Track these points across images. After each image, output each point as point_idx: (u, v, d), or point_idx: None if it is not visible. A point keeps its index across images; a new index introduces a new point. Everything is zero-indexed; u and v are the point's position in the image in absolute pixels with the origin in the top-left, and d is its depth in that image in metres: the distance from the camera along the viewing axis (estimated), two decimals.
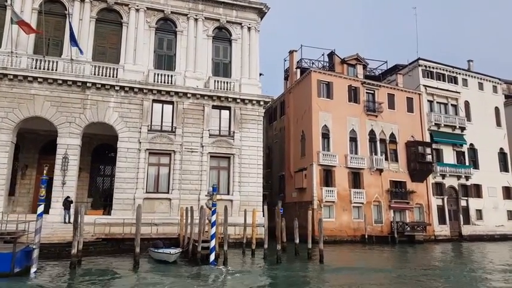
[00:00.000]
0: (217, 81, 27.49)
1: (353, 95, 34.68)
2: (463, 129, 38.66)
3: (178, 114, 26.22)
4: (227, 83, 27.70)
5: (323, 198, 30.96)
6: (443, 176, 36.83)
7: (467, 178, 37.98)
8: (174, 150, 25.67)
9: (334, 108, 33.34)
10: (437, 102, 38.83)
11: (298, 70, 36.92)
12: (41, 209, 14.14)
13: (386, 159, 34.41)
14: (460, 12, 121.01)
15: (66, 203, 22.20)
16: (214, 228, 16.94)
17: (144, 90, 25.59)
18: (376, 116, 35.00)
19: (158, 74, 26.31)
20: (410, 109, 36.87)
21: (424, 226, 33.76)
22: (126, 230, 22.05)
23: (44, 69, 23.95)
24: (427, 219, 34.87)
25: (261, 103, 28.06)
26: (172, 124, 26.06)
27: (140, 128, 25.23)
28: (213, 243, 16.83)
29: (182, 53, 27.68)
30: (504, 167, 40.84)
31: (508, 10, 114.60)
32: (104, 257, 19.05)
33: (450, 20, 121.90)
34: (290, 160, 35.35)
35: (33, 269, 13.74)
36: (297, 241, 21.30)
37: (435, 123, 37.41)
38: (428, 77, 39.25)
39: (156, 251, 18.36)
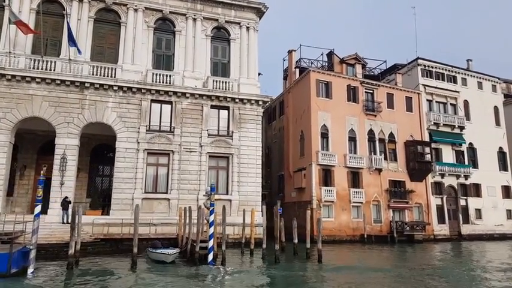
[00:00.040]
0: (216, 81, 27.46)
1: (352, 94, 34.67)
2: (462, 128, 38.64)
3: (177, 114, 26.18)
4: (226, 82, 27.66)
5: (322, 198, 30.94)
6: (443, 176, 36.82)
7: (466, 177, 37.97)
8: (172, 150, 25.64)
9: (333, 108, 33.31)
10: (436, 102, 38.82)
11: (297, 70, 36.90)
12: (38, 209, 14.10)
13: (385, 158, 34.39)
14: (459, 12, 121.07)
15: (65, 204, 22.16)
16: (212, 228, 16.89)
17: (143, 90, 25.56)
18: (375, 116, 34.98)
19: (156, 74, 26.27)
20: (409, 108, 36.85)
21: (423, 225, 33.73)
22: (124, 230, 22.03)
23: (42, 69, 23.91)
24: (426, 218, 34.85)
25: (260, 103, 28.03)
26: (170, 124, 26.02)
27: (138, 128, 25.20)
28: (211, 243, 16.79)
29: (181, 52, 27.64)
30: (503, 166, 40.84)
31: (507, 10, 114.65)
32: (102, 258, 19.00)
33: (449, 20, 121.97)
34: (289, 160, 35.32)
35: (30, 270, 13.73)
36: (296, 241, 21.25)
37: (434, 123, 37.39)
38: (427, 77, 39.22)
39: (154, 251, 18.31)
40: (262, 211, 22.65)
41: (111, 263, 17.73)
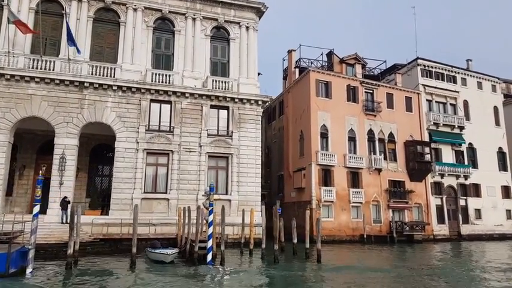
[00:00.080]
0: (216, 81, 27.43)
1: (352, 94, 34.65)
2: (461, 128, 38.62)
3: (176, 114, 26.15)
4: (225, 82, 27.63)
5: (322, 198, 30.92)
6: (442, 176, 36.81)
7: (466, 177, 37.95)
8: (172, 150, 25.61)
9: (332, 108, 33.29)
10: (436, 102, 38.80)
11: (297, 70, 36.87)
12: (36, 209, 14.07)
13: (385, 158, 34.37)
14: (459, 12, 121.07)
15: (64, 203, 22.13)
16: (211, 228, 16.86)
17: (142, 90, 25.53)
18: (375, 116, 34.96)
19: (156, 74, 26.24)
20: (409, 108, 36.83)
21: (422, 226, 33.72)
22: (124, 230, 22.04)
23: (41, 69, 23.88)
24: (425, 218, 34.83)
25: (259, 103, 28.00)
26: (170, 124, 26.00)
27: (138, 128, 25.17)
28: (210, 243, 16.75)
29: (180, 52, 27.61)
30: (503, 166, 40.82)
31: (507, 10, 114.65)
32: (101, 258, 18.97)
33: (449, 20, 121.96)
34: (289, 160, 35.30)
35: (28, 270, 13.70)
36: (295, 241, 21.24)
37: (434, 123, 37.37)
38: (427, 77, 39.20)
39: (153, 251, 18.28)
40: (261, 211, 22.65)
41: (110, 263, 17.70)
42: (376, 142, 34.54)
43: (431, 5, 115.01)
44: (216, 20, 28.75)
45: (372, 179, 33.38)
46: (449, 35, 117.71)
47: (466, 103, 40.32)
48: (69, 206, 22.07)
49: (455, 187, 37.53)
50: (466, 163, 38.65)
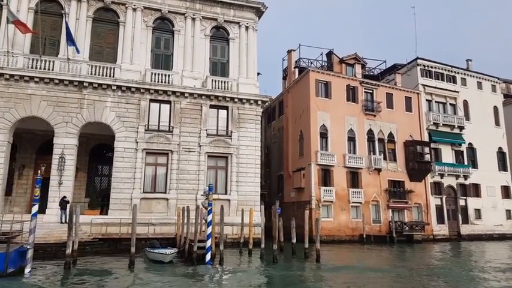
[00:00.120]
0: (215, 81, 27.42)
1: (351, 94, 34.64)
2: (461, 128, 38.60)
3: (176, 114, 26.14)
4: (225, 82, 27.62)
5: (321, 197, 30.90)
6: (442, 176, 36.78)
7: (465, 177, 37.92)
8: (171, 150, 25.60)
9: (332, 108, 33.27)
10: (435, 102, 38.79)
11: (297, 70, 36.86)
12: (35, 209, 14.08)
13: (384, 158, 34.36)
14: (459, 12, 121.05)
15: (63, 203, 22.13)
16: (210, 228, 16.86)
17: (141, 90, 25.51)
18: (375, 116, 34.94)
19: (155, 74, 26.23)
20: (408, 108, 36.81)
21: (422, 226, 33.70)
22: (123, 230, 22.01)
23: (40, 68, 23.88)
24: (425, 218, 34.81)
25: (259, 103, 27.99)
26: (169, 124, 25.99)
27: (137, 128, 25.16)
28: (209, 243, 16.76)
29: (179, 52, 27.60)
30: (503, 166, 40.80)
31: (507, 10, 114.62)
32: (100, 257, 18.97)
33: (449, 20, 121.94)
34: (288, 160, 35.28)
35: (27, 269, 13.71)
36: (294, 241, 21.23)
37: (434, 123, 37.34)
38: (426, 77, 39.18)
39: (152, 251, 18.27)
40: (260, 211, 22.65)
41: (109, 262, 17.69)
42: (376, 142, 34.53)
43: (431, 5, 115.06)
44: (216, 19, 28.74)
45: (371, 179, 33.36)
46: (449, 35, 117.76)
47: (465, 103, 40.30)
48: (68, 205, 22.12)
49: (455, 187, 37.51)
50: (465, 163, 38.64)
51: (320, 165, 31.67)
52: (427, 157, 35.42)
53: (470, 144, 39.33)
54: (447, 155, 37.89)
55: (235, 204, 25.92)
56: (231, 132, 27.05)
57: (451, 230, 36.13)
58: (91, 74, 24.81)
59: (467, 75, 41.56)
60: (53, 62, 24.35)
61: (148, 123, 25.52)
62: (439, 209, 36.14)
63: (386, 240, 31.74)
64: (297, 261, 19.47)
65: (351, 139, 33.73)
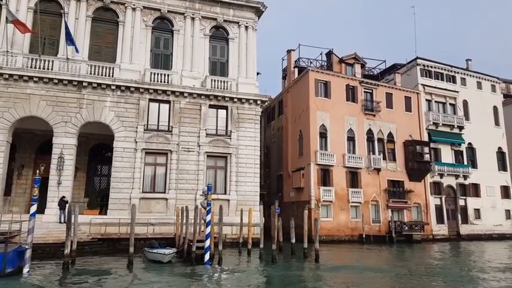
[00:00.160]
0: (214, 81, 27.40)
1: (351, 94, 34.62)
2: (461, 128, 38.58)
3: (175, 114, 26.12)
4: (224, 82, 27.60)
5: (321, 197, 30.89)
6: (442, 176, 36.77)
7: (465, 177, 37.91)
8: (170, 150, 25.58)
9: (331, 108, 33.25)
10: (435, 102, 38.77)
11: (296, 69, 36.85)
12: (33, 208, 14.06)
13: (384, 158, 34.35)
14: (459, 12, 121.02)
15: (62, 203, 22.09)
16: (209, 227, 16.85)
17: (141, 90, 25.49)
18: (374, 116, 34.93)
19: (155, 73, 26.20)
20: (408, 108, 36.79)
21: (422, 225, 33.69)
22: (122, 230, 21.99)
23: (39, 68, 23.86)
24: (425, 218, 34.80)
25: (258, 102, 27.96)
26: (168, 123, 25.97)
27: (136, 128, 25.13)
28: (207, 242, 16.75)
29: (179, 52, 27.58)
30: (502, 166, 40.79)
31: (507, 10, 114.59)
32: (99, 257, 18.96)
33: (449, 20, 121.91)
34: (288, 159, 35.27)
35: (25, 269, 13.67)
36: (293, 241, 21.22)
37: (433, 123, 37.32)
38: (426, 76, 39.16)
39: (150, 251, 18.26)
40: (260, 211, 22.62)
41: (108, 262, 17.68)
42: (375, 142, 34.51)
43: (431, 5, 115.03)
44: (215, 19, 28.72)
45: (371, 178, 33.35)
46: (448, 35, 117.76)
47: (465, 103, 40.29)
48: (67, 205, 22.10)
49: (455, 187, 37.50)
50: (465, 163, 38.62)
51: (319, 165, 31.66)
52: (427, 157, 35.41)
53: (469, 144, 39.32)
54: (447, 154, 37.88)
55: (234, 204, 25.90)
56: (231, 132, 27.03)
57: (450, 230, 36.12)
58: (90, 73, 24.79)
59: (467, 75, 41.54)
60: (52, 61, 24.33)
61: (147, 123, 25.50)
62: (439, 209, 36.13)
63: (386, 240, 31.73)
64: (296, 261, 19.46)
65: (351, 139, 33.72)
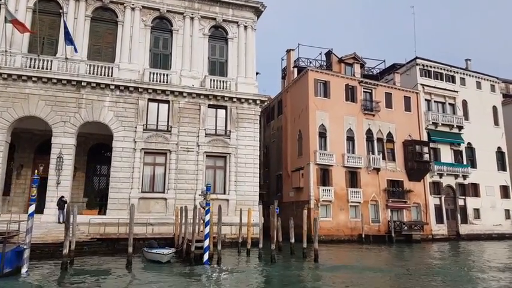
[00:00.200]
0: (214, 80, 27.37)
1: (350, 94, 34.60)
2: (460, 128, 38.56)
3: (174, 114, 26.09)
4: (223, 82, 27.58)
5: (320, 197, 30.87)
6: (441, 175, 36.76)
7: (464, 177, 37.89)
8: (169, 150, 25.55)
9: (331, 108, 33.23)
10: (434, 101, 38.77)
11: (296, 69, 36.84)
12: (32, 208, 14.01)
13: (383, 158, 34.33)
14: (458, 12, 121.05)
15: (61, 203, 22.04)
16: (208, 227, 16.82)
17: (140, 89, 25.46)
18: (374, 115, 34.91)
19: (154, 73, 26.17)
20: (407, 108, 36.78)
21: (421, 225, 33.66)
22: (121, 230, 21.94)
23: (38, 68, 23.82)
24: (424, 218, 34.79)
25: (258, 102, 27.94)
26: (168, 123, 25.94)
27: (135, 127, 25.10)
28: (206, 242, 16.72)
29: (178, 51, 27.55)
30: (502, 166, 40.78)
31: (507, 10, 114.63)
32: (98, 257, 18.92)
33: (448, 20, 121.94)
34: (287, 159, 35.25)
35: (24, 269, 13.66)
36: (292, 240, 21.20)
37: (433, 122, 37.31)
38: (425, 76, 39.15)
39: (149, 251, 18.23)
40: (259, 211, 22.59)
41: (106, 262, 17.64)
42: (375, 142, 34.49)
43: (431, 5, 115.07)
44: (214, 19, 28.69)
45: (370, 178, 33.33)
46: (448, 34, 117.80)
47: (465, 103, 40.28)
48: (66, 205, 22.05)
49: (454, 187, 37.49)
50: (464, 163, 38.61)
51: (319, 164, 31.64)
52: (426, 157, 35.40)
53: (469, 144, 39.31)
54: (446, 154, 37.87)
55: (233, 204, 25.87)
56: (230, 131, 27.01)
57: (449, 229, 36.11)
58: (89, 73, 24.76)
59: (467, 75, 41.53)
60: (51, 61, 24.30)
61: (146, 122, 25.47)
62: (438, 208, 36.12)
63: (385, 240, 31.70)
64: (295, 261, 19.44)
65: (350, 139, 33.70)
